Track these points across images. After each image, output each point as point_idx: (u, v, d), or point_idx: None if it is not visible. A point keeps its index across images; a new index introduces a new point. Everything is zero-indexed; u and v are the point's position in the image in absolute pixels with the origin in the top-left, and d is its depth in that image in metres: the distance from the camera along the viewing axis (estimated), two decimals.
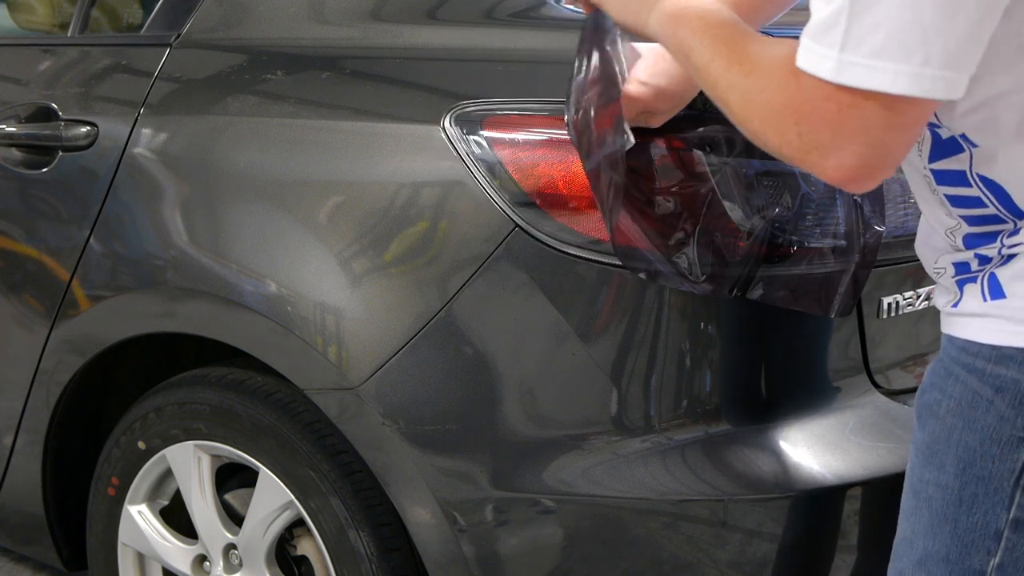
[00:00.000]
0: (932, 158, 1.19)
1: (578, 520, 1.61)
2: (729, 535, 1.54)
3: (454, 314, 1.60)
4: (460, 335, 1.61)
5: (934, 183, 1.21)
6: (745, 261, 1.46)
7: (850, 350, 1.60)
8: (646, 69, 1.40)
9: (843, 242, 1.48)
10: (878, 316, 1.63)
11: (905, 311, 1.64)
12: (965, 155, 1.15)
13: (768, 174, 1.46)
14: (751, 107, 1.12)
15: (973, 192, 1.17)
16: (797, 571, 1.56)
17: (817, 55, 1.04)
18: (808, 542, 1.55)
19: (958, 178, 1.17)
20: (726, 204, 1.43)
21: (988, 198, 1.16)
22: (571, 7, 1.75)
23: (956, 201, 1.19)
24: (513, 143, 1.54)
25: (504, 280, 1.56)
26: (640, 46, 1.43)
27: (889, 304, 1.64)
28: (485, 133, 1.53)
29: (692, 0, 1.23)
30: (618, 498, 1.56)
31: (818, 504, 1.53)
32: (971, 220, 1.19)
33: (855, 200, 1.49)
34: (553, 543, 1.63)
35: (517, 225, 1.53)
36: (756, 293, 1.48)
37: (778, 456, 1.54)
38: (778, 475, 1.52)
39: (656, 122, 1.45)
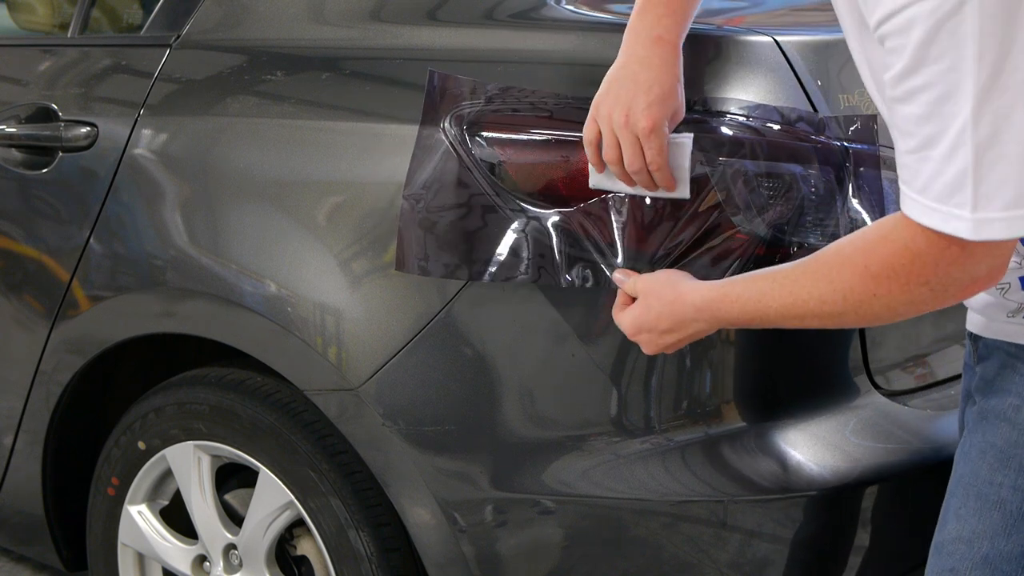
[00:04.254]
0: None
1: (578, 521, 1.61)
2: (729, 535, 1.54)
3: (454, 315, 1.60)
4: (460, 336, 1.61)
5: None
6: (745, 262, 1.46)
7: (850, 350, 1.60)
8: (647, 96, 1.41)
9: None
10: None
11: None
12: None
13: (768, 175, 1.46)
14: (869, 306, 1.17)
15: None
16: (797, 572, 1.56)
17: (949, 216, 1.06)
18: (808, 543, 1.55)
19: None
20: (726, 205, 1.43)
21: None
22: (571, 7, 1.75)
23: None
24: (513, 143, 1.53)
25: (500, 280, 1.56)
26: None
27: None
28: (485, 133, 1.53)
29: (710, 292, 1.32)
30: (618, 499, 1.56)
31: (818, 505, 1.53)
32: None
33: (855, 202, 1.49)
34: (553, 544, 1.63)
35: (517, 225, 1.53)
36: None
37: (778, 457, 1.53)
38: (778, 476, 1.52)
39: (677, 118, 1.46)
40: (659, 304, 1.37)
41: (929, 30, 1.01)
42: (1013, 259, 1.24)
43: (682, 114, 1.43)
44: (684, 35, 1.44)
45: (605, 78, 1.43)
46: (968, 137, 1.02)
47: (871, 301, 1.17)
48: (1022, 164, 1.02)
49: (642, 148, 1.39)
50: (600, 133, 1.42)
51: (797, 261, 1.26)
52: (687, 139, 1.41)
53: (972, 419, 1.28)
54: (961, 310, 1.36)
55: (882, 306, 1.16)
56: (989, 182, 1.03)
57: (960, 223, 1.05)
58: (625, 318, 1.41)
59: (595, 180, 1.47)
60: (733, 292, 1.29)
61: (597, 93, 1.43)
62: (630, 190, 1.45)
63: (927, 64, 1.03)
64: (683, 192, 1.43)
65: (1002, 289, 1.26)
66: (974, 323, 1.31)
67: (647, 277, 1.41)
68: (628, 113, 1.39)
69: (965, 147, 1.03)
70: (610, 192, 1.46)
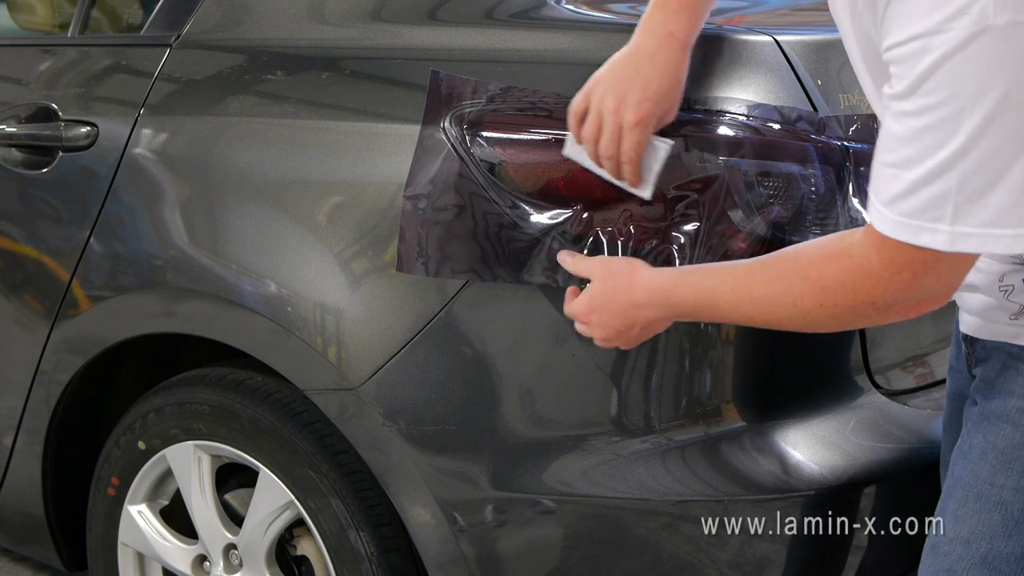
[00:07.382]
0: None
1: (578, 520, 1.61)
2: (729, 535, 1.54)
3: (454, 315, 1.60)
4: (460, 336, 1.61)
5: None
6: None
7: (850, 350, 1.60)
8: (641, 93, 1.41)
9: None
10: None
11: None
12: None
13: (768, 174, 1.46)
14: (815, 314, 1.21)
15: None
16: (796, 571, 1.56)
17: (921, 229, 1.09)
18: (807, 542, 1.55)
19: None
20: (726, 204, 1.43)
21: None
22: (571, 7, 1.75)
23: None
24: (514, 143, 1.54)
25: (504, 280, 1.56)
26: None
27: None
28: (486, 133, 1.53)
29: (665, 278, 1.34)
30: (618, 498, 1.56)
31: (818, 505, 1.53)
32: None
33: (855, 201, 1.49)
34: (553, 543, 1.63)
35: (518, 225, 1.53)
36: None
37: (778, 456, 1.54)
38: (778, 475, 1.52)
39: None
40: (615, 285, 1.38)
41: (933, 63, 1.04)
42: (1015, 261, 1.24)
43: (673, 116, 1.44)
44: (695, 34, 1.45)
45: (610, 59, 1.44)
46: (956, 164, 1.05)
47: (818, 310, 1.20)
48: (1005, 191, 1.05)
49: (621, 138, 1.40)
50: (587, 109, 1.43)
51: (758, 258, 1.28)
52: (666, 144, 1.43)
53: (972, 420, 1.28)
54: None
55: (828, 315, 1.20)
56: (971, 202, 1.06)
57: (935, 236, 1.08)
58: (579, 300, 1.42)
59: (568, 150, 1.48)
60: (689, 280, 1.31)
61: (598, 70, 1.44)
62: (596, 170, 1.46)
63: (921, 94, 1.05)
64: (645, 192, 1.45)
65: (1005, 292, 1.26)
66: (970, 326, 1.31)
67: (603, 258, 1.42)
68: (620, 102, 1.40)
69: (951, 173, 1.05)
70: (580, 164, 1.48)
